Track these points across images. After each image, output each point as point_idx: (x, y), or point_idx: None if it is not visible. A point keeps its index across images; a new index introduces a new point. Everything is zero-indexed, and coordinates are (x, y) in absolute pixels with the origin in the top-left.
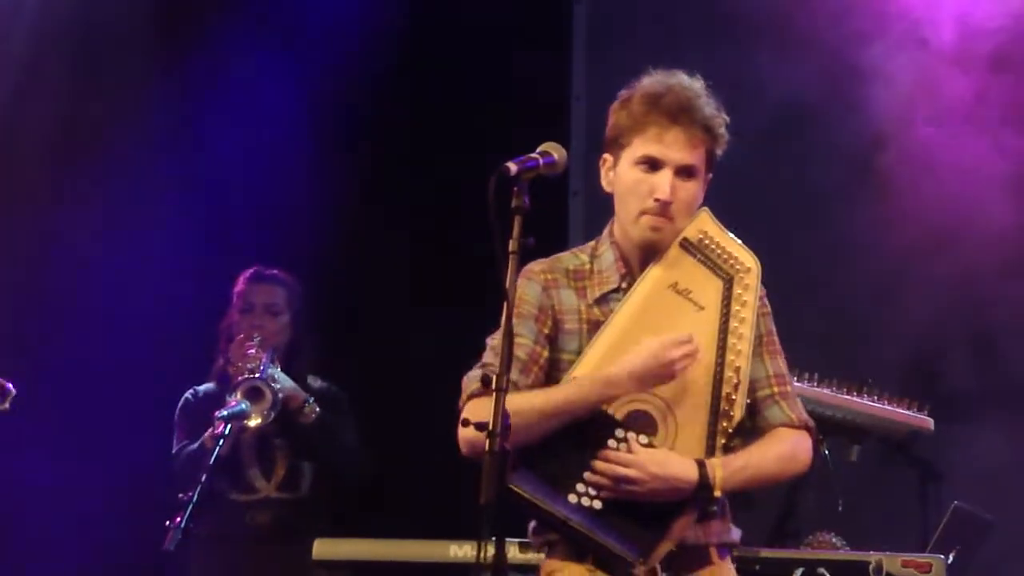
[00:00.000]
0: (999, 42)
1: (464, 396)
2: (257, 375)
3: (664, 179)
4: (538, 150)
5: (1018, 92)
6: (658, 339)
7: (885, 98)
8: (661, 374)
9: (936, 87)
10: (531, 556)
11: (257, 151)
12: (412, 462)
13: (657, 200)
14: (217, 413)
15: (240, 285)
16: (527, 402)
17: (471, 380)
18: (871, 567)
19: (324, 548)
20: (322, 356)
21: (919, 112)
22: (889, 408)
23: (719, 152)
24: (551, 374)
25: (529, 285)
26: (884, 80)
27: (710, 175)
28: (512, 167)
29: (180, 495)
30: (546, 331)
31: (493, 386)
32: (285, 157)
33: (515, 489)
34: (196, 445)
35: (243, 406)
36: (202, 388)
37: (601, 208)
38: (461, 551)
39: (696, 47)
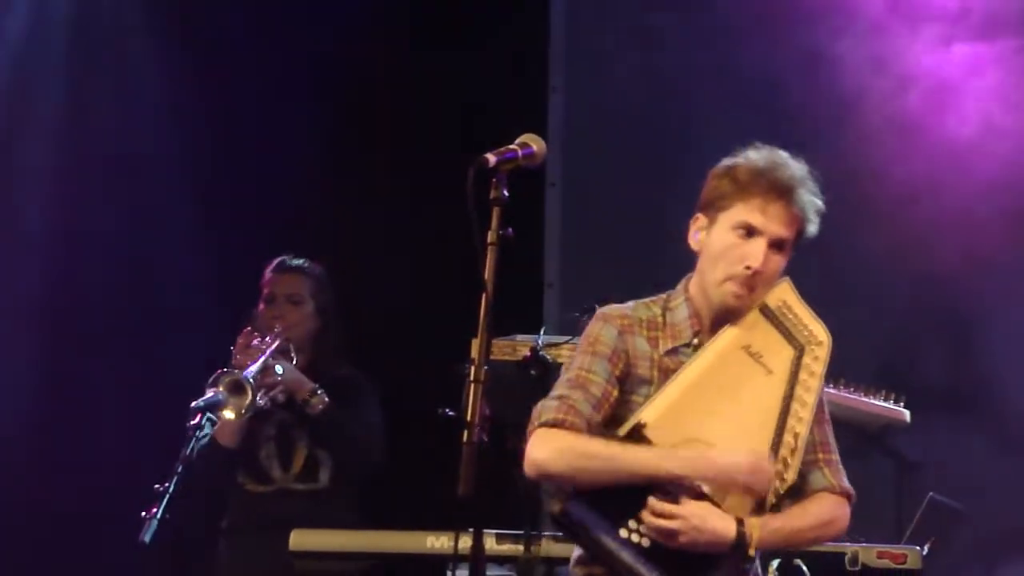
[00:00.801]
0: None
1: (534, 424)
2: (242, 370)
3: (759, 248)
4: (517, 141)
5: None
6: (753, 451)
7: (848, 85)
8: (745, 486)
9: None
10: (507, 548)
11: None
12: (392, 453)
13: (748, 268)
14: (193, 403)
15: (265, 276)
16: (611, 454)
17: (545, 410)
18: (847, 558)
19: (301, 539)
20: (350, 344)
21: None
22: (865, 400)
23: (805, 236)
24: (618, 411)
25: (606, 328)
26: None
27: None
28: (491, 158)
29: (156, 486)
30: (617, 373)
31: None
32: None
33: (570, 514)
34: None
35: (219, 396)
36: None
37: (578, 199)
38: (438, 542)
39: (675, 36)
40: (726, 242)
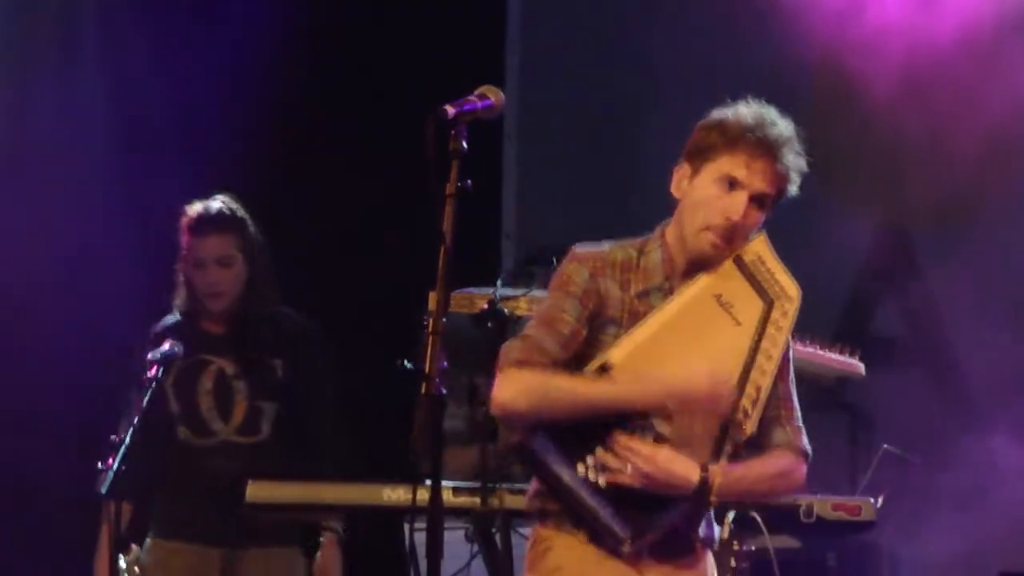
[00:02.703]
0: None
1: (501, 364)
2: None
3: (740, 201)
4: (475, 93)
5: None
6: (711, 371)
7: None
8: (703, 405)
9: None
10: (464, 500)
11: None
12: (347, 404)
13: (728, 219)
14: (150, 355)
15: (186, 235)
16: (571, 387)
17: (511, 349)
18: (801, 510)
19: (257, 491)
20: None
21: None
22: (820, 353)
23: (784, 197)
24: (586, 350)
25: (579, 269)
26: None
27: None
28: (450, 110)
29: (112, 436)
30: (587, 312)
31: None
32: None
33: (530, 446)
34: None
35: (175, 349)
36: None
37: (535, 151)
38: (395, 495)
39: None
40: (709, 192)
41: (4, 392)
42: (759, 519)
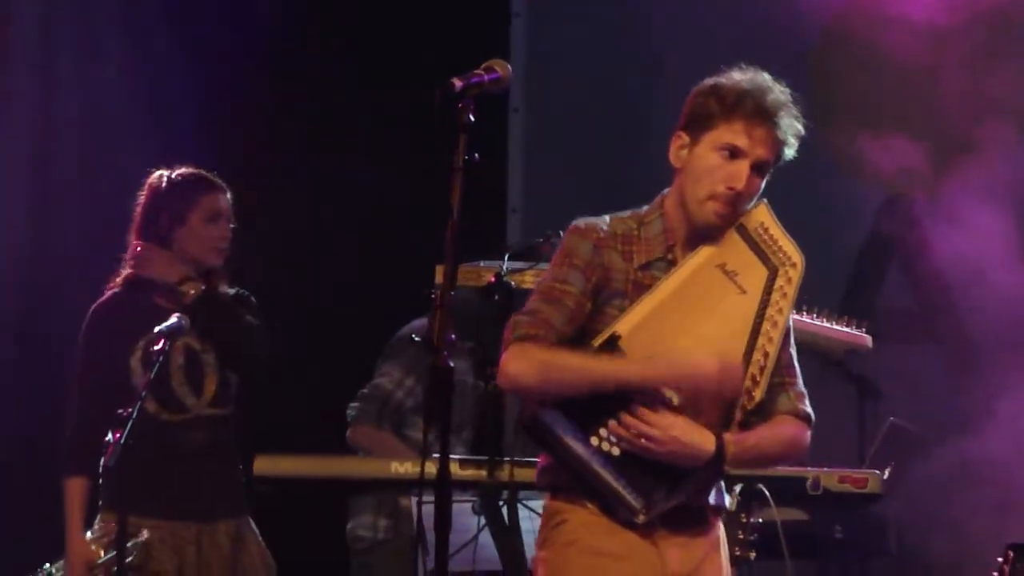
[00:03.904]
0: None
1: (508, 339)
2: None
3: (742, 169)
4: (483, 66)
5: None
6: (720, 356)
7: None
8: (715, 391)
9: None
10: (471, 473)
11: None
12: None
13: (731, 188)
14: (156, 329)
15: (191, 191)
16: (579, 364)
17: (518, 324)
18: (808, 482)
19: (265, 464)
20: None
21: None
22: (827, 326)
23: (781, 161)
24: (591, 324)
25: (582, 241)
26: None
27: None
28: (457, 83)
29: (120, 411)
30: (591, 286)
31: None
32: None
33: (541, 420)
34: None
35: (182, 323)
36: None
37: (541, 124)
38: (403, 468)
39: None
40: (710, 162)
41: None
42: (766, 491)
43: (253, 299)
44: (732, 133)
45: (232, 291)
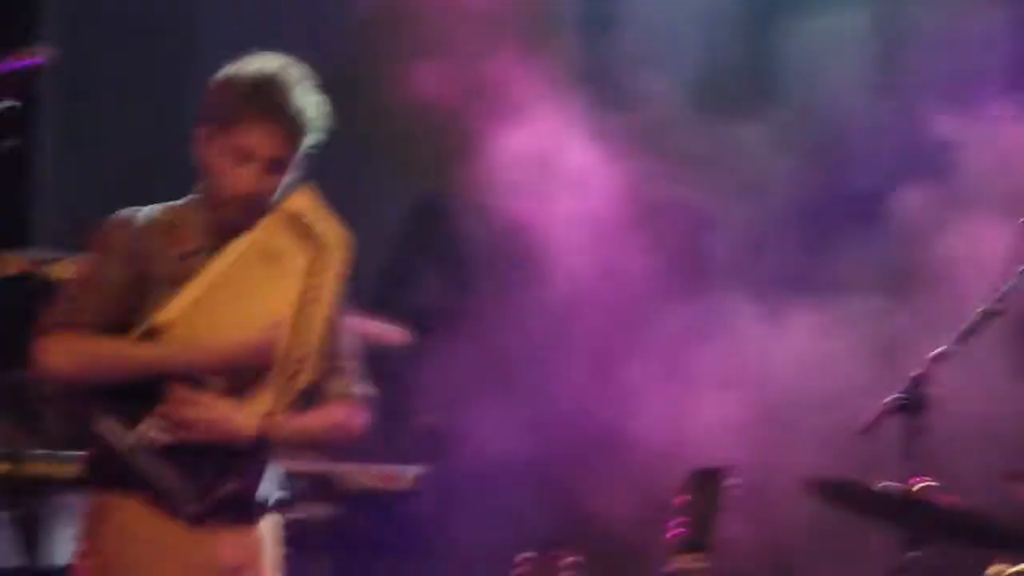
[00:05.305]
0: None
1: (45, 326)
2: None
3: (251, 173)
4: (13, 53)
5: None
6: (259, 341)
7: None
8: (255, 367)
9: None
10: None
11: None
12: None
13: (243, 193)
14: None
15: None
16: (117, 351)
17: (54, 312)
18: (341, 479)
19: None
20: None
21: None
22: (361, 322)
23: (314, 140)
24: (135, 316)
25: (122, 232)
26: None
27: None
28: None
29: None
30: (131, 275)
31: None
32: None
33: (84, 412)
34: None
35: None
36: None
37: (73, 112)
38: None
39: None
40: (221, 164)
41: None
42: (302, 487)
43: None
44: (239, 134)
45: None
